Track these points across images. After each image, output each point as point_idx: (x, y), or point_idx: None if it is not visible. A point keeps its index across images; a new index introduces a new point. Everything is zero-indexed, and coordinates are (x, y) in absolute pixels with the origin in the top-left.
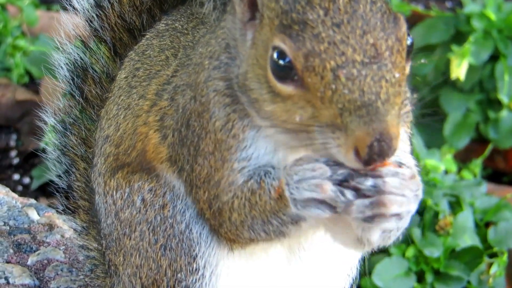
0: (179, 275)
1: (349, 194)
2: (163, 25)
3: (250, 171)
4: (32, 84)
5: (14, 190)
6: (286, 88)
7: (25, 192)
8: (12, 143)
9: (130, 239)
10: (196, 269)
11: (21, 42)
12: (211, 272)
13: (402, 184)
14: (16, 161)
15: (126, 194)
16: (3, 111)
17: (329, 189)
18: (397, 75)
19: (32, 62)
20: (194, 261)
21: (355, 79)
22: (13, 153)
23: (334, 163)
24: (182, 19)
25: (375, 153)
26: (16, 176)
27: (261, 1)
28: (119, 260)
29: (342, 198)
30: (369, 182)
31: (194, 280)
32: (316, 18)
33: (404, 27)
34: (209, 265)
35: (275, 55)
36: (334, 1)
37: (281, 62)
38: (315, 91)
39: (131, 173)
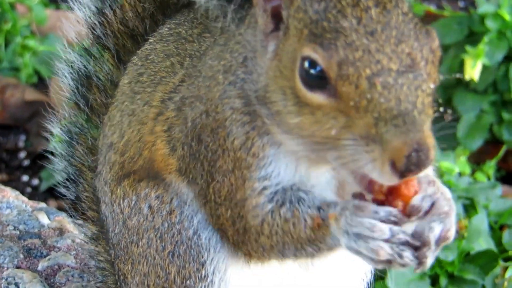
0: (188, 282)
1: (406, 255)
2: (166, 29)
3: (272, 193)
4: (41, 84)
5: (23, 192)
6: (317, 98)
7: (34, 194)
8: (21, 144)
9: (137, 246)
10: (205, 276)
11: (31, 42)
12: (220, 279)
13: (451, 230)
14: (25, 162)
15: (133, 202)
16: (12, 111)
17: (385, 254)
18: (431, 85)
19: (41, 61)
20: (203, 268)
21: (391, 88)
22: (22, 154)
23: (394, 217)
24: (186, 23)
25: (413, 164)
26: (25, 178)
27: (287, 12)
28: (127, 268)
29: (398, 259)
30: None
31: (203, 287)
32: (349, 26)
33: (437, 40)
34: (218, 271)
35: (305, 65)
36: (367, 10)
37: (312, 71)
38: (349, 100)
39: (137, 181)
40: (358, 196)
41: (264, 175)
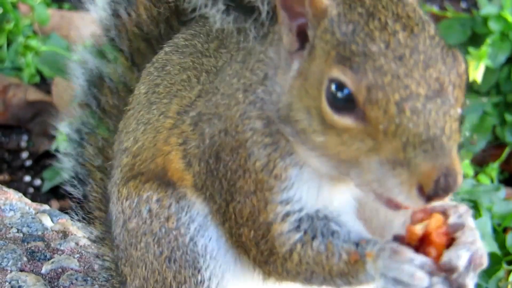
0: (183, 286)
1: None
2: (182, 39)
3: (297, 220)
4: (44, 84)
5: (25, 193)
6: (345, 121)
7: (36, 194)
8: (23, 144)
9: (136, 249)
10: (201, 281)
11: (33, 42)
12: (217, 284)
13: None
14: (27, 162)
15: (135, 204)
16: (14, 111)
17: None
18: (458, 110)
19: (43, 61)
20: (198, 273)
21: (420, 113)
22: (25, 154)
23: (429, 268)
24: (202, 36)
25: (441, 189)
26: (27, 178)
27: (313, 32)
28: (128, 270)
29: None
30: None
31: None
32: (377, 50)
33: (463, 63)
34: (215, 277)
35: (333, 87)
36: (394, 34)
37: (339, 94)
38: (377, 124)
39: (143, 182)
40: (399, 238)
41: (286, 199)
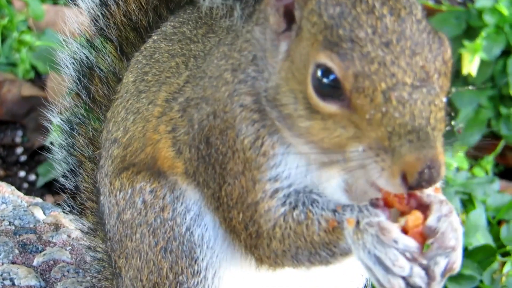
0: (180, 277)
1: None
2: (170, 27)
3: (285, 195)
4: (38, 79)
5: (19, 188)
6: (330, 107)
7: (30, 189)
8: (18, 139)
9: (131, 241)
10: (198, 271)
11: (27, 37)
12: (214, 274)
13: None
14: (22, 158)
15: (128, 195)
16: (9, 107)
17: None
18: (443, 99)
19: (38, 57)
20: (195, 263)
21: (406, 103)
22: (19, 150)
23: (411, 254)
24: (190, 23)
25: (424, 180)
26: (22, 173)
27: (300, 13)
28: (122, 262)
29: None
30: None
31: (196, 283)
32: (364, 36)
33: (449, 48)
34: (212, 267)
35: (319, 72)
36: (381, 19)
37: (325, 80)
38: (364, 113)
39: (135, 173)
40: (375, 202)
41: (274, 176)
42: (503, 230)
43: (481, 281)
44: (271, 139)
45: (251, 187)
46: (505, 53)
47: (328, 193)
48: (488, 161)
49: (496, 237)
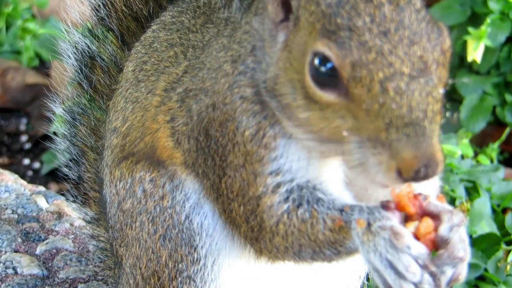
0: (180, 265)
1: None
2: (169, 17)
3: (288, 190)
4: (42, 67)
5: (24, 176)
6: (327, 96)
7: (35, 177)
8: (22, 127)
9: (131, 229)
10: (197, 259)
11: (31, 25)
12: (213, 262)
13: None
14: (26, 145)
15: (128, 185)
16: (13, 94)
17: None
18: (441, 91)
19: (42, 45)
20: (195, 251)
21: (403, 94)
22: (24, 138)
23: (423, 261)
24: (189, 12)
25: (420, 177)
26: (26, 161)
27: (297, 2)
28: (123, 250)
29: None
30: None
31: (196, 270)
32: (362, 25)
33: (448, 38)
34: (211, 255)
35: (316, 61)
36: (380, 7)
37: (322, 68)
38: (361, 103)
39: (135, 163)
40: (386, 205)
41: (276, 169)
42: (508, 218)
43: (486, 270)
44: (272, 130)
45: (252, 181)
46: (510, 40)
47: (331, 189)
48: (493, 148)
49: (500, 225)
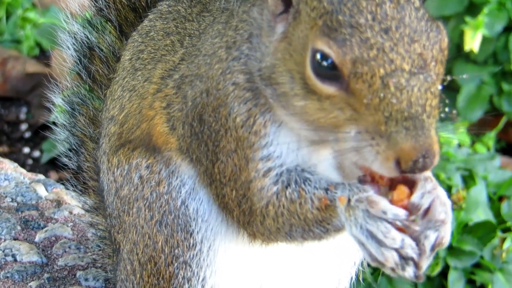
0: (176, 251)
1: (408, 269)
2: (165, 6)
3: (278, 174)
4: (43, 56)
5: (24, 164)
6: (328, 89)
7: (35, 165)
8: (23, 116)
9: (128, 215)
10: (193, 245)
11: (31, 14)
12: (209, 247)
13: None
14: (26, 134)
15: (125, 171)
16: (14, 83)
17: (392, 262)
18: (439, 87)
19: (42, 34)
20: (191, 237)
21: (404, 89)
22: (24, 126)
23: (400, 222)
24: (185, 1)
25: (417, 168)
26: (26, 150)
27: None
28: (120, 237)
29: (400, 271)
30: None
31: (192, 256)
32: (364, 22)
33: (446, 37)
34: (207, 240)
35: (317, 56)
36: (381, 5)
37: (324, 63)
38: (361, 97)
39: (131, 150)
40: (363, 179)
41: (266, 155)
42: (504, 206)
43: (482, 257)
44: (262, 117)
45: (244, 166)
46: (507, 30)
47: (320, 170)
48: (490, 137)
49: (496, 213)
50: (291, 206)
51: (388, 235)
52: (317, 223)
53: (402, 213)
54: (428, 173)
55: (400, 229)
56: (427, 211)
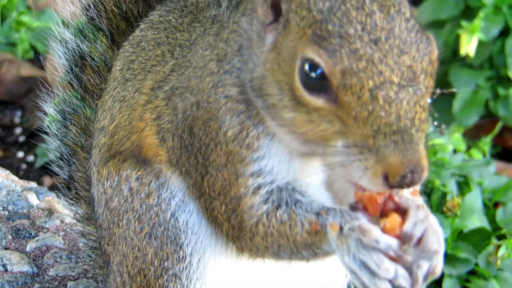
0: (165, 263)
1: None
2: (156, 16)
3: (268, 192)
4: (37, 59)
5: (18, 169)
6: (316, 101)
7: (29, 170)
8: (17, 119)
9: (118, 227)
10: (183, 257)
11: (25, 18)
12: (199, 260)
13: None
14: (21, 138)
15: (115, 183)
16: (8, 87)
17: None
18: (428, 100)
19: (37, 37)
20: (180, 249)
21: (392, 102)
22: (18, 130)
23: (393, 252)
24: (176, 11)
25: (405, 183)
26: (20, 154)
27: (287, 6)
28: (110, 249)
29: None
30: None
31: (181, 268)
32: (353, 32)
33: (436, 48)
34: (196, 252)
35: (306, 66)
36: (371, 15)
37: (312, 74)
38: (350, 109)
39: (122, 161)
40: (355, 206)
41: (257, 170)
42: (499, 213)
43: (476, 264)
44: (256, 130)
45: (233, 181)
46: (503, 34)
47: (311, 191)
48: (486, 142)
49: (491, 219)
50: (281, 227)
51: (381, 266)
52: (306, 246)
53: (395, 243)
54: (420, 200)
55: (392, 259)
56: (419, 240)
